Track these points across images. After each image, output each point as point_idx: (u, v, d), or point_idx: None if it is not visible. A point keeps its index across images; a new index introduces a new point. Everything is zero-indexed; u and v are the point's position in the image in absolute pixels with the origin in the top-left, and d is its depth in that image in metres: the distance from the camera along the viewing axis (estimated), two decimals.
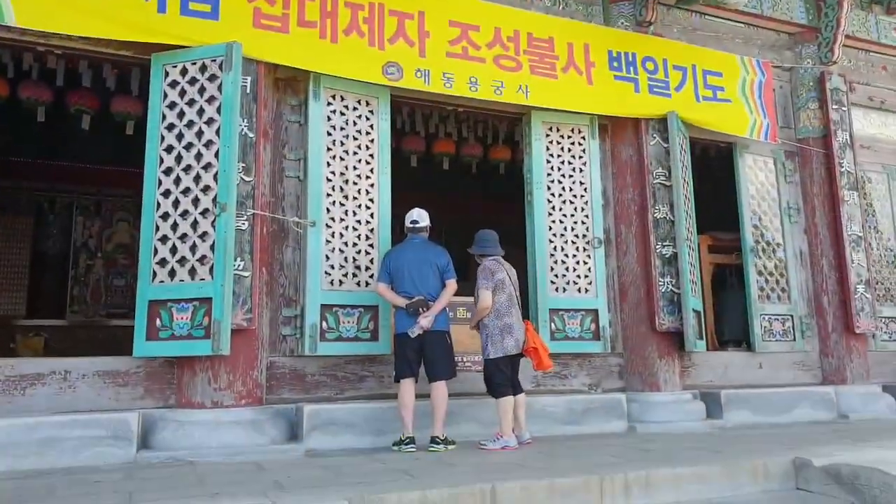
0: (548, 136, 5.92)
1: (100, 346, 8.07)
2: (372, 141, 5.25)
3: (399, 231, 5.05)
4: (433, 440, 4.29)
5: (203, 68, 4.54)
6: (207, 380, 4.25)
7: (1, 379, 3.97)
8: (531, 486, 3.12)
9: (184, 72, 4.57)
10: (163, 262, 4.34)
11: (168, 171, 4.46)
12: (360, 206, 5.09)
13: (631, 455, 4.04)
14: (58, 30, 4.27)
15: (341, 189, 5.03)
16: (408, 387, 4.37)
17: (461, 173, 8.45)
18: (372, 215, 5.14)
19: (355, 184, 5.11)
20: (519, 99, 5.60)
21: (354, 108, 5.22)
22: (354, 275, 4.98)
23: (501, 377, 4.52)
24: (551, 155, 5.90)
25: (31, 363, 4.10)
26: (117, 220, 9.28)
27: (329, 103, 5.09)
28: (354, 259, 5.00)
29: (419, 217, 4.73)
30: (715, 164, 7.48)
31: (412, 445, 4.26)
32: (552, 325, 5.55)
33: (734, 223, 6.75)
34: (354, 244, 5.02)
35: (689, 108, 6.25)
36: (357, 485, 3.18)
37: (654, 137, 6.09)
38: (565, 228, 5.81)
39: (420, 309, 4.42)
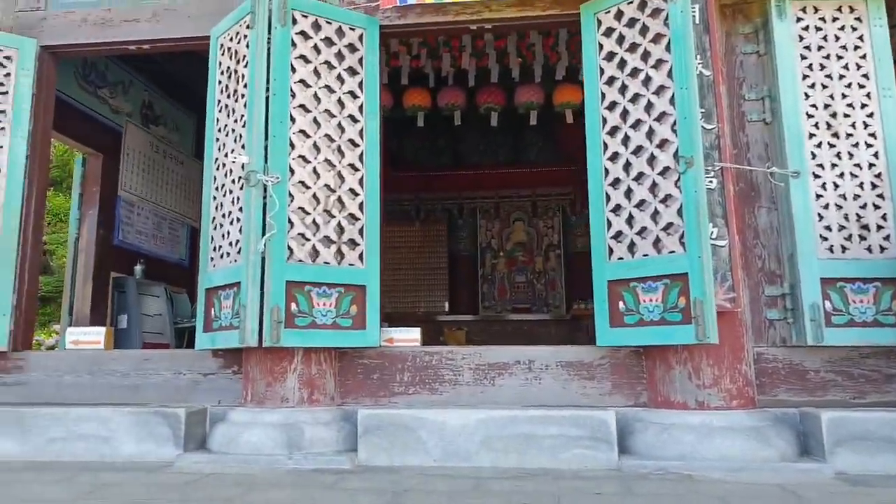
0: None
1: (509, 339, 8.30)
2: (863, 56, 3.88)
3: None
4: None
5: (642, 5, 3.84)
6: (687, 374, 3.45)
7: (471, 367, 3.85)
8: None
9: (618, 15, 3.94)
10: (618, 236, 3.73)
11: (613, 132, 3.86)
12: (856, 144, 3.77)
13: None
14: None
15: (828, 126, 3.78)
16: None
17: None
18: (875, 155, 3.75)
19: (847, 116, 3.79)
20: None
21: (834, 20, 3.93)
22: (861, 237, 3.65)
23: None
24: None
25: (494, 351, 3.89)
26: (514, 220, 9.60)
27: (799, 19, 3.92)
28: (858, 216, 3.67)
29: None
30: None
31: None
32: None
33: None
34: (856, 196, 3.70)
35: None
36: None
37: None
38: None
39: None
